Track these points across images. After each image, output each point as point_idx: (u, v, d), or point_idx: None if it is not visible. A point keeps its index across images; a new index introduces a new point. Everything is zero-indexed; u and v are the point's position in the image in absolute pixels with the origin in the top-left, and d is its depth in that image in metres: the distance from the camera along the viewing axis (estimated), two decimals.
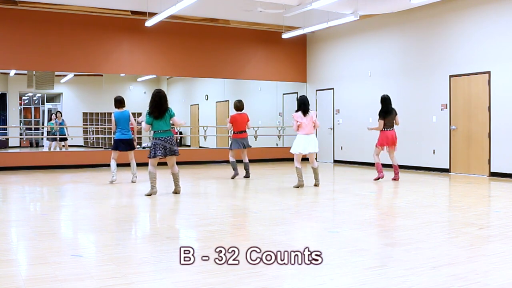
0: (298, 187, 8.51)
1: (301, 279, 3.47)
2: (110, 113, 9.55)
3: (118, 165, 9.38)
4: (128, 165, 9.45)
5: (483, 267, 3.81)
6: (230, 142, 10.38)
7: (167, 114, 7.47)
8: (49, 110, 18.36)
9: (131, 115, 9.24)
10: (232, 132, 10.17)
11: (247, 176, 10.17)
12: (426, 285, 3.35)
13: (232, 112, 10.35)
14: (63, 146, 14.67)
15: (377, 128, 9.57)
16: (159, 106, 7.41)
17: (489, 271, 3.70)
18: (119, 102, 9.18)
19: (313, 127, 8.46)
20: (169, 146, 7.46)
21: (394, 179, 9.55)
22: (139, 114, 10.23)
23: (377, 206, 7.20)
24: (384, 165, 10.48)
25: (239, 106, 10.10)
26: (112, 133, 9.54)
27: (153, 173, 7.61)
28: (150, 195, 7.59)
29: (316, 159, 8.88)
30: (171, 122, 7.62)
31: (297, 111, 8.48)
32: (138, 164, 9.79)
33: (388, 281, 3.42)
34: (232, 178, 10.08)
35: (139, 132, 14.49)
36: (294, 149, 8.46)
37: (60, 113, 15.20)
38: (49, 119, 16.02)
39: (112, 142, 9.60)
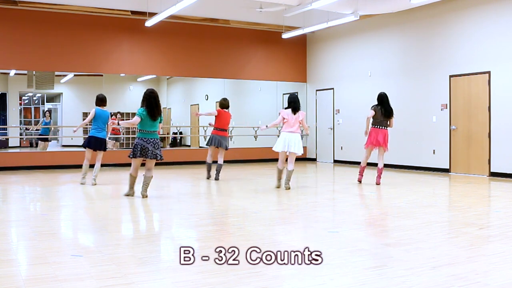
0: (277, 187, 8.41)
1: (301, 279, 3.46)
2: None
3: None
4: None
5: (483, 267, 3.81)
6: (208, 137, 10.00)
7: (159, 117, 7.34)
8: (49, 110, 18.34)
9: (109, 117, 9.18)
10: (213, 128, 9.91)
11: (216, 178, 9.75)
12: (426, 285, 3.35)
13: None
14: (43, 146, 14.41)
15: (367, 118, 8.99)
16: (154, 107, 7.27)
17: (489, 271, 3.70)
18: (101, 100, 9.06)
19: (299, 127, 8.24)
20: (151, 149, 7.19)
21: (376, 183, 8.92)
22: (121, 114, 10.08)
23: (377, 206, 7.20)
24: (372, 164, 10.17)
25: (225, 104, 9.97)
26: (79, 125, 9.35)
27: (134, 177, 7.35)
28: (128, 195, 7.43)
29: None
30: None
31: (286, 108, 8.34)
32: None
33: (388, 281, 3.42)
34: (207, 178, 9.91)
35: (127, 132, 14.45)
36: (276, 147, 8.26)
37: (49, 112, 15.10)
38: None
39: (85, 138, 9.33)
